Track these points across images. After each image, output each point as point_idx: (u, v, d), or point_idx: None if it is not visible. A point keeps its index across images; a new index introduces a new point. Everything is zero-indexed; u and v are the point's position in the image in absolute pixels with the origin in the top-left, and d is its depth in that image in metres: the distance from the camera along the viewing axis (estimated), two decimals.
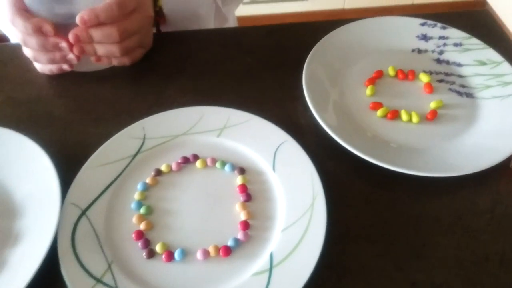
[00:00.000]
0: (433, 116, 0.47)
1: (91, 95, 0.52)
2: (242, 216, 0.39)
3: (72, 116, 0.49)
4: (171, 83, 0.53)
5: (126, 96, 0.51)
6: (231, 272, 0.36)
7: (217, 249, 0.37)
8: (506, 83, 0.48)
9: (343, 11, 2.07)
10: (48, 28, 0.46)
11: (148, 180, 0.42)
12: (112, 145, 0.44)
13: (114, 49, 0.48)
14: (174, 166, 0.43)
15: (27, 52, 0.50)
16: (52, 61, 0.49)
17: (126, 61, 0.51)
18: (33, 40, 0.47)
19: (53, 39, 0.47)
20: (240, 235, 0.38)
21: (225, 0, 0.67)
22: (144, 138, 0.45)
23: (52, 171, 0.41)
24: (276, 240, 0.38)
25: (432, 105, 0.48)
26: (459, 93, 0.49)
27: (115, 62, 0.51)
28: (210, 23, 0.67)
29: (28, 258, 0.36)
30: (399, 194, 0.42)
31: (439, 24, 0.55)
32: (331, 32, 0.53)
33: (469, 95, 0.49)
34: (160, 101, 0.50)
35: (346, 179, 0.43)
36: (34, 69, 0.53)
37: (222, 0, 0.66)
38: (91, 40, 0.47)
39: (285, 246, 0.37)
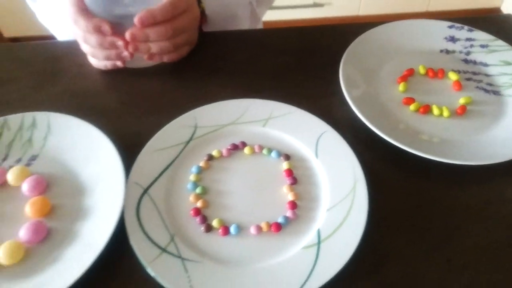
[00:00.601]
0: (462, 111, 0.50)
1: (140, 89, 0.56)
2: (290, 197, 0.43)
3: (125, 108, 0.53)
4: (213, 79, 0.57)
5: (173, 90, 0.55)
6: (282, 246, 0.40)
7: (269, 225, 0.41)
8: None
9: (357, 18, 2.11)
10: (106, 28, 0.50)
11: (201, 164, 0.46)
12: (166, 132, 0.48)
13: (166, 45, 0.52)
14: (224, 152, 0.47)
15: (86, 48, 0.54)
16: (108, 58, 0.53)
17: (175, 57, 0.56)
18: (93, 38, 0.51)
19: (110, 38, 0.51)
20: (289, 213, 0.42)
21: (259, 2, 0.71)
22: (195, 127, 0.49)
23: (115, 154, 0.45)
24: (322, 219, 0.41)
25: (461, 101, 0.51)
26: (486, 90, 0.53)
27: (165, 59, 0.55)
28: (245, 24, 0.71)
29: (99, 231, 0.40)
30: (432, 182, 0.46)
31: (466, 27, 0.59)
32: (364, 33, 0.57)
33: (496, 93, 0.52)
34: (204, 95, 0.54)
35: (383, 168, 0.47)
36: (87, 64, 0.58)
37: (257, 2, 0.70)
38: (146, 39, 0.51)
39: (330, 224, 0.41)
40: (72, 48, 0.59)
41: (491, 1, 2.09)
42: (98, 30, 0.50)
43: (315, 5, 2.04)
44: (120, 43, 0.51)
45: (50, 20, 0.69)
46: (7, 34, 1.96)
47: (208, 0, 0.62)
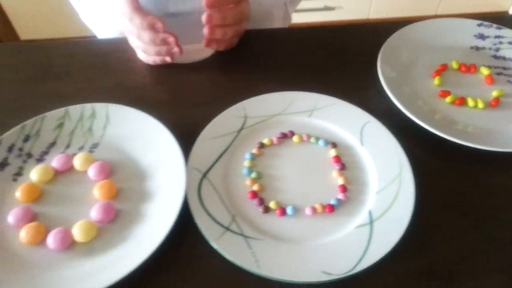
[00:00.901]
0: (496, 103, 0.53)
1: (187, 82, 0.59)
2: (340, 181, 0.46)
3: (175, 100, 0.56)
4: (256, 74, 0.60)
5: (218, 84, 0.58)
6: (336, 225, 0.43)
7: (323, 207, 0.44)
8: None
9: (367, 21, 2.14)
10: (159, 25, 0.53)
11: (254, 151, 0.49)
12: (218, 122, 0.51)
13: (229, 31, 0.55)
14: (274, 140, 0.50)
15: (137, 44, 0.57)
16: (159, 54, 0.56)
17: (229, 45, 0.58)
18: (146, 35, 0.54)
19: (162, 35, 0.54)
20: (340, 196, 0.45)
21: (291, 2, 0.74)
22: (245, 117, 0.52)
23: (174, 142, 0.48)
24: (371, 201, 0.44)
25: (494, 93, 0.54)
26: None
27: (221, 47, 0.57)
28: (279, 23, 0.74)
29: (165, 212, 0.43)
30: (470, 167, 0.49)
31: (494, 25, 0.62)
32: (399, 30, 0.60)
33: None
34: (249, 88, 0.57)
35: (423, 154, 0.50)
36: (135, 59, 0.61)
37: (290, 2, 0.73)
38: (221, 22, 0.53)
39: (380, 205, 0.44)
40: (120, 45, 0.62)
41: (500, 5, 2.12)
42: (151, 27, 0.53)
43: (326, 8, 2.08)
44: (171, 39, 0.54)
45: (92, 18, 0.72)
46: (23, 36, 2.00)
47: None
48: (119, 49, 0.62)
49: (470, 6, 2.08)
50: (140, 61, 0.61)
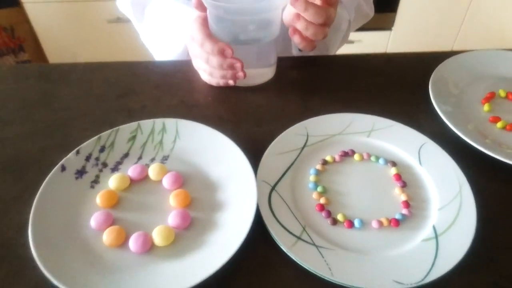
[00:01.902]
0: None
1: (247, 102, 0.62)
2: (402, 198, 0.48)
3: (236, 118, 0.60)
4: (313, 96, 0.63)
5: (277, 105, 0.62)
6: (403, 238, 0.45)
7: (388, 220, 0.46)
8: None
9: (385, 55, 2.20)
10: (229, 51, 0.56)
11: (318, 167, 0.51)
12: (282, 139, 0.54)
13: (321, 32, 0.56)
14: (337, 158, 0.52)
15: (204, 66, 0.61)
16: (224, 77, 0.60)
17: (313, 45, 0.59)
18: (215, 60, 0.58)
19: (230, 60, 0.58)
20: (404, 211, 0.47)
21: (354, 20, 0.77)
22: (307, 135, 0.55)
23: (242, 156, 0.51)
24: (435, 216, 0.47)
25: None
26: None
27: (309, 48, 0.59)
28: (341, 37, 0.77)
29: (239, 221, 0.45)
30: None
31: None
32: (448, 59, 0.64)
33: None
34: (308, 109, 0.60)
35: (479, 174, 0.52)
36: (196, 79, 0.65)
37: (352, 20, 0.76)
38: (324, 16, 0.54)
39: (444, 221, 0.46)
40: (182, 66, 0.67)
41: None
42: (221, 53, 0.57)
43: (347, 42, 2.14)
44: (238, 65, 0.58)
45: (152, 40, 0.77)
46: (52, 61, 2.07)
47: None
48: (181, 70, 0.67)
49: (485, 43, 2.13)
50: (201, 81, 0.64)
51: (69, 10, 1.90)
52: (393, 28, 2.11)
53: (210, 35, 0.57)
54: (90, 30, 1.96)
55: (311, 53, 0.71)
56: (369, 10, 0.83)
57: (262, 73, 0.64)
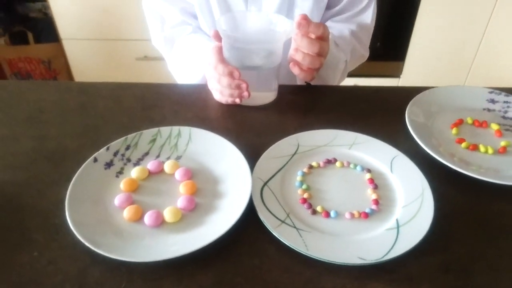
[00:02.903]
0: (504, 150, 0.65)
1: (250, 118, 0.73)
2: (373, 197, 0.58)
3: (241, 130, 0.71)
4: (307, 116, 0.74)
5: (276, 122, 0.73)
6: (369, 227, 0.54)
7: (359, 213, 0.55)
8: None
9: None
10: (237, 73, 0.69)
11: (305, 170, 0.61)
12: (277, 146, 0.64)
13: (316, 61, 0.69)
14: (321, 164, 0.62)
15: (216, 86, 0.73)
16: (231, 96, 0.72)
17: (311, 74, 0.73)
18: (225, 80, 0.70)
19: (237, 81, 0.70)
20: (373, 207, 0.56)
21: (349, 61, 0.90)
22: (298, 145, 0.65)
23: (241, 156, 0.61)
24: (399, 212, 0.56)
25: (502, 143, 0.66)
26: None
27: (309, 78, 0.72)
28: (339, 75, 0.88)
29: (235, 206, 0.55)
30: (480, 194, 0.59)
31: (503, 93, 0.75)
32: (424, 92, 0.75)
33: None
34: (301, 125, 0.71)
35: (441, 184, 0.61)
36: (209, 99, 0.77)
37: (349, 61, 0.89)
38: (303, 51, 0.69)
39: (406, 215, 0.55)
40: (197, 88, 0.79)
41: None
42: (230, 75, 0.69)
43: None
44: (243, 85, 0.70)
45: (177, 68, 0.90)
46: (78, 79, 2.24)
47: None
48: (196, 91, 0.79)
49: (494, 83, 2.23)
50: (213, 100, 0.76)
51: (102, 47, 2.09)
52: (401, 75, 2.23)
53: (223, 60, 0.70)
54: (120, 66, 2.14)
55: (325, 75, 0.82)
56: (364, 51, 0.94)
57: (264, 96, 0.75)
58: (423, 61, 2.15)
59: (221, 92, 0.73)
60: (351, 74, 2.16)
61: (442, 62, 2.15)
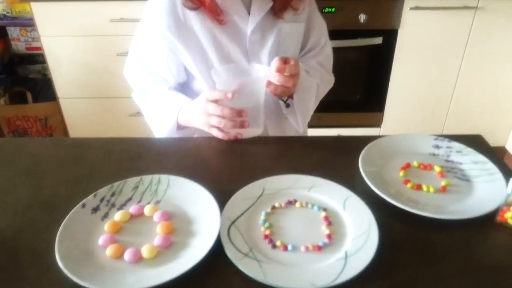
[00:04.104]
0: (443, 190, 0.74)
1: (223, 166, 0.83)
2: (326, 232, 0.66)
3: (214, 176, 0.80)
4: (274, 163, 0.83)
5: (247, 168, 0.82)
6: (322, 258, 0.62)
7: (313, 246, 0.63)
8: (490, 174, 0.76)
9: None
10: (230, 95, 0.81)
11: (268, 210, 0.70)
12: (245, 190, 0.73)
13: (288, 79, 0.85)
14: (283, 205, 0.71)
15: (217, 121, 0.84)
16: (234, 126, 0.84)
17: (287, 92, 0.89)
18: (228, 110, 0.82)
19: (238, 109, 0.82)
20: (326, 241, 0.64)
21: (321, 83, 1.04)
22: (263, 189, 0.74)
23: (213, 200, 0.70)
24: (348, 244, 0.64)
25: (443, 183, 0.76)
26: (460, 179, 0.77)
27: (285, 93, 0.90)
28: (313, 100, 1.04)
29: (205, 243, 0.63)
30: (421, 227, 0.67)
31: (447, 139, 0.86)
32: (377, 140, 0.85)
33: (467, 180, 0.77)
34: (267, 171, 0.80)
35: (388, 220, 0.69)
36: (187, 150, 0.86)
37: (320, 82, 1.03)
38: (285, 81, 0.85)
39: (354, 248, 0.63)
40: (176, 142, 0.89)
41: (497, 141, 2.38)
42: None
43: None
44: (244, 113, 0.83)
45: (153, 120, 1.01)
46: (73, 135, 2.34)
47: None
48: (176, 144, 0.89)
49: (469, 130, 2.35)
50: (191, 151, 0.86)
51: (97, 104, 2.21)
52: (382, 125, 2.36)
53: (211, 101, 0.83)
54: (113, 122, 2.25)
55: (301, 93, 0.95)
56: (330, 77, 1.11)
57: (252, 131, 0.88)
58: (401, 111, 2.29)
59: (224, 125, 0.84)
60: (335, 125, 2.30)
61: (419, 112, 2.29)
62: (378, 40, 2.06)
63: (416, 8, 1.97)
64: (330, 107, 2.33)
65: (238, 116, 0.83)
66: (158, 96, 1.01)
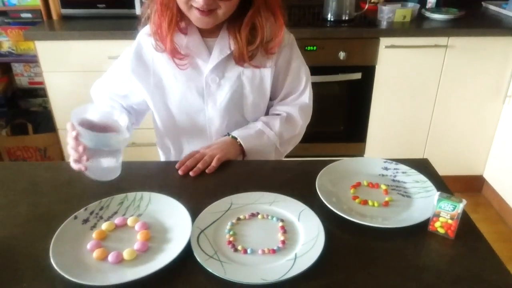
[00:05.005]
0: (386, 204, 0.86)
1: (198, 186, 0.95)
2: (281, 238, 0.77)
3: (190, 194, 0.91)
4: (244, 182, 0.95)
5: (216, 187, 0.94)
6: (275, 259, 0.73)
7: (269, 250, 0.75)
8: (428, 191, 0.89)
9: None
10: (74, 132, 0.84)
11: (233, 221, 0.82)
12: (214, 205, 0.85)
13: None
14: (247, 216, 0.83)
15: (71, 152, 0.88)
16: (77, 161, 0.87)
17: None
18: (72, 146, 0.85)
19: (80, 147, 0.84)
20: (280, 245, 0.76)
21: (281, 144, 1.14)
22: (231, 203, 0.86)
23: (186, 212, 0.82)
24: (298, 248, 0.75)
25: (387, 199, 0.88)
26: (402, 195, 0.90)
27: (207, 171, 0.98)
28: (272, 157, 1.14)
29: (176, 247, 0.74)
30: (365, 236, 0.79)
31: (394, 162, 0.98)
32: (334, 162, 0.97)
33: (408, 196, 0.89)
34: (235, 190, 0.92)
35: (335, 229, 0.81)
36: (168, 172, 0.99)
37: (280, 145, 1.13)
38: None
39: (303, 250, 0.74)
40: (159, 165, 1.01)
41: (475, 170, 2.50)
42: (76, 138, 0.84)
43: None
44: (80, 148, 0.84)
45: None
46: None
47: (246, 144, 1.07)
48: (158, 167, 1.01)
49: (448, 170, 2.47)
50: (171, 173, 0.98)
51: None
52: (364, 154, 2.48)
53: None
54: None
55: (253, 158, 1.06)
56: (300, 131, 1.17)
57: (103, 176, 0.90)
58: (381, 141, 2.42)
59: (72, 156, 0.87)
60: (320, 155, 2.43)
61: (399, 141, 2.42)
62: (358, 76, 2.22)
63: (392, 46, 2.14)
64: (316, 138, 2.48)
65: (79, 157, 0.85)
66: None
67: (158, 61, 1.08)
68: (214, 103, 1.09)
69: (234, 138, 1.08)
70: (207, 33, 1.05)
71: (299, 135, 1.19)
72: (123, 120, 0.89)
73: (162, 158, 1.23)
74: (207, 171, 0.98)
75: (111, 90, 1.16)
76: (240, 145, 1.07)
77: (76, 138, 0.84)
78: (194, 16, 0.97)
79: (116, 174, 0.91)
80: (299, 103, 1.15)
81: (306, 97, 1.15)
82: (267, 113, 1.18)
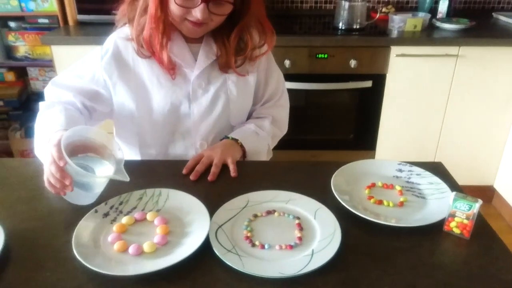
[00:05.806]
0: (401, 205, 0.87)
1: (214, 186, 0.96)
2: (298, 234, 0.79)
3: (207, 191, 0.93)
4: (260, 182, 0.97)
5: (233, 187, 0.95)
6: (292, 254, 0.74)
7: (286, 246, 0.76)
8: (442, 192, 0.90)
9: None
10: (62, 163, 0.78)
11: (250, 218, 0.83)
12: (231, 202, 0.87)
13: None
14: (264, 214, 0.84)
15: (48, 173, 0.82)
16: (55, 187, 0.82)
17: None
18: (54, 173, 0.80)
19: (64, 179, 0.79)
20: (297, 241, 0.77)
21: (272, 145, 1.18)
22: (248, 201, 0.87)
23: (204, 209, 0.83)
24: (315, 245, 0.76)
25: (401, 199, 0.89)
26: (417, 196, 0.90)
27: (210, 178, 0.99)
28: (264, 156, 1.17)
29: (195, 242, 0.75)
30: (379, 234, 0.80)
31: (408, 165, 0.99)
32: (350, 163, 0.99)
33: (423, 197, 0.90)
34: (250, 188, 0.93)
35: (350, 227, 0.82)
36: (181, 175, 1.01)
37: (271, 144, 1.17)
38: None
39: (320, 247, 0.75)
40: (176, 164, 1.03)
41: (485, 180, 2.49)
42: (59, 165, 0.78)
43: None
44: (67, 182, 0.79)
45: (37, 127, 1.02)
46: None
47: (247, 145, 1.10)
48: (176, 166, 1.03)
49: (460, 179, 2.46)
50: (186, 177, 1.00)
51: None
52: None
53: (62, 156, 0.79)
54: None
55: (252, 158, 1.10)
56: (282, 130, 1.25)
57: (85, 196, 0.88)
58: (391, 150, 2.42)
59: (47, 178, 0.82)
60: None
61: (409, 150, 2.42)
62: (368, 84, 2.23)
63: (402, 55, 2.15)
64: (326, 145, 2.49)
65: (62, 185, 0.81)
66: (58, 109, 1.00)
67: (139, 65, 1.06)
68: (200, 107, 1.10)
69: (235, 140, 1.10)
70: (191, 39, 1.06)
71: (283, 134, 1.27)
72: (118, 156, 0.88)
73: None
74: (232, 174, 1.00)
75: (77, 90, 1.08)
76: (241, 146, 1.10)
77: (62, 169, 0.80)
78: (186, 27, 0.99)
79: (92, 200, 0.88)
80: (280, 104, 1.23)
81: (285, 98, 1.26)
82: (248, 118, 1.22)
